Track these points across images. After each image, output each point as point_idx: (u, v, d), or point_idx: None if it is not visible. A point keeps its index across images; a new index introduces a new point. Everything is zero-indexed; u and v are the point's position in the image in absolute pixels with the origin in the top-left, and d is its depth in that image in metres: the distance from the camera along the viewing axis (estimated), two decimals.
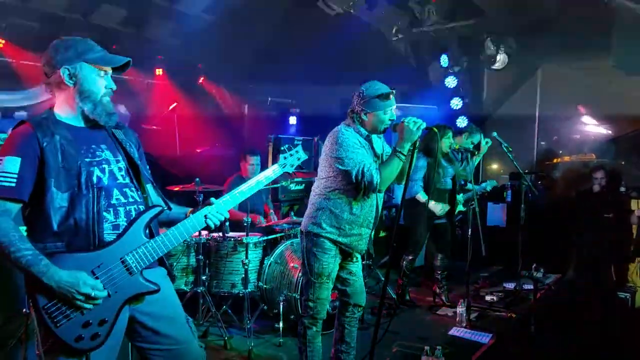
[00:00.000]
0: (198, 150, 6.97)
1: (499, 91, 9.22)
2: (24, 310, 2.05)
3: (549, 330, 4.63)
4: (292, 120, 9.11)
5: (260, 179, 2.48)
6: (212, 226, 2.34)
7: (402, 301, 5.57)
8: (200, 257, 4.63)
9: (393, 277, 5.83)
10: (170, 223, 2.30)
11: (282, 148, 2.62)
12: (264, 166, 5.83)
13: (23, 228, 2.09)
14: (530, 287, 5.86)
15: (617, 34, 7.04)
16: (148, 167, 2.49)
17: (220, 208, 2.36)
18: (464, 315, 4.93)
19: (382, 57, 8.31)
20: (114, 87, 2.24)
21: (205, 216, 2.33)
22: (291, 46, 7.74)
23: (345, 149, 3.12)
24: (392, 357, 4.23)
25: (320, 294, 3.33)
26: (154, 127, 7.16)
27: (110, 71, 2.22)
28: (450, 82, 8.63)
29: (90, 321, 2.02)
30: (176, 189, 4.87)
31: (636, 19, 6.60)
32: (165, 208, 2.32)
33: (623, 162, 7.95)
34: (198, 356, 2.38)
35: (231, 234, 4.81)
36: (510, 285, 6.25)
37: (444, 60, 8.57)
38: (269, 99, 8.37)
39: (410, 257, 5.48)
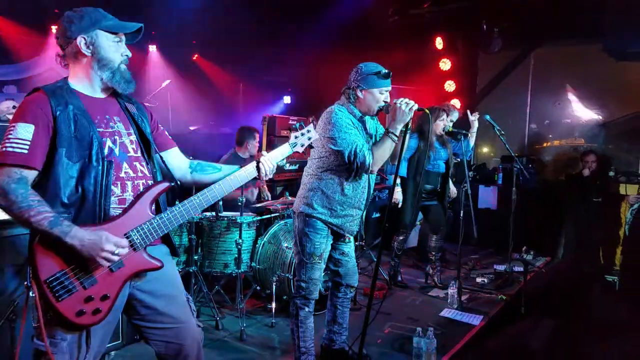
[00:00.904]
0: (191, 128, 6.90)
1: (492, 74, 9.23)
2: (25, 283, 2.01)
3: (538, 311, 4.69)
4: (287, 99, 9.05)
5: (274, 156, 2.44)
6: (264, 173, 2.36)
7: (394, 282, 5.61)
8: (193, 236, 4.58)
9: (385, 259, 5.87)
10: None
11: (293, 126, 2.53)
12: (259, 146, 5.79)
13: None
14: (521, 269, 5.93)
15: (608, 19, 7.05)
16: (167, 132, 2.48)
17: (271, 158, 2.39)
18: (455, 296, 4.97)
19: (377, 38, 8.25)
20: (130, 54, 2.20)
21: (258, 163, 2.35)
22: (287, 25, 7.66)
23: (338, 129, 3.12)
24: (384, 338, 4.26)
25: (312, 274, 3.34)
26: (147, 104, 7.02)
27: (124, 38, 2.19)
28: (444, 64, 8.62)
29: (92, 296, 2.00)
30: None
31: (627, 4, 6.60)
32: (172, 184, 2.30)
33: (611, 147, 8.02)
34: (196, 335, 2.36)
35: (224, 213, 4.78)
36: (500, 268, 6.31)
37: (439, 42, 8.54)
38: None
39: (401, 238, 5.50)
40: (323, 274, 3.46)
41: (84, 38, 2.08)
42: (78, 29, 2.08)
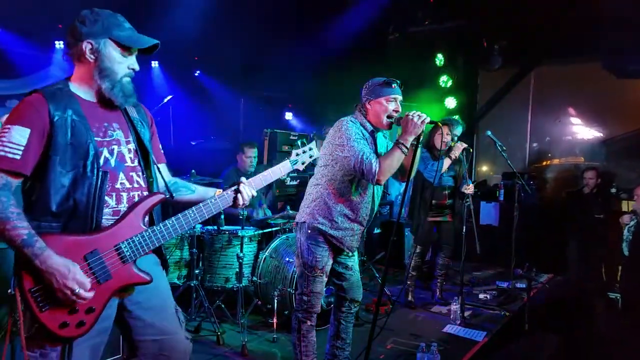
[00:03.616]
0: (192, 143, 6.91)
1: (492, 91, 9.27)
2: (9, 291, 1.96)
3: (542, 328, 4.65)
4: (288, 115, 9.10)
5: (269, 175, 2.40)
6: (241, 201, 2.29)
7: (405, 301, 5.47)
8: (194, 250, 4.57)
9: (389, 276, 5.83)
10: (195, 204, 2.24)
11: (296, 143, 2.52)
12: (259, 160, 5.78)
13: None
14: (523, 285, 5.90)
15: (607, 37, 7.11)
16: (161, 145, 2.44)
17: (252, 184, 2.33)
18: (458, 313, 4.93)
19: (378, 55, 8.31)
20: (137, 68, 2.14)
21: (237, 190, 2.28)
22: (288, 42, 7.72)
23: (347, 138, 3.12)
24: (386, 353, 4.21)
25: (314, 288, 3.31)
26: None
27: (135, 52, 2.13)
28: (445, 81, 8.67)
29: (77, 308, 1.94)
30: None
31: (626, 22, 6.66)
32: (167, 196, 2.25)
33: (612, 164, 8.01)
34: (184, 347, 2.30)
35: (226, 227, 4.75)
36: (503, 284, 6.28)
37: (439, 59, 8.60)
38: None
39: (417, 260, 5.39)
40: (325, 288, 3.43)
41: (91, 43, 2.02)
42: (88, 32, 2.02)
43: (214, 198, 2.25)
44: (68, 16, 2.12)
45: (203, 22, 6.83)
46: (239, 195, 2.30)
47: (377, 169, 3.03)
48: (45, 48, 6.50)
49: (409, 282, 5.49)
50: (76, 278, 1.89)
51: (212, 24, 6.95)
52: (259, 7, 7.33)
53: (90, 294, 1.94)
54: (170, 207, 2.48)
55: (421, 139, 3.07)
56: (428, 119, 3.03)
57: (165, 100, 6.63)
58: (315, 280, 3.31)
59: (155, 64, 7.85)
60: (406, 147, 3.03)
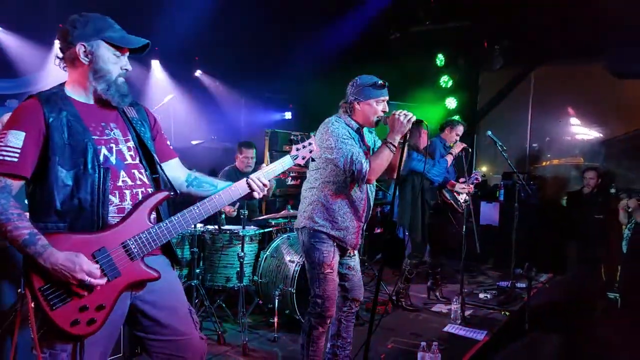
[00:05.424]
0: (193, 142, 6.92)
1: (493, 92, 9.28)
2: (19, 290, 1.97)
3: (542, 327, 4.65)
4: (289, 115, 9.13)
5: (270, 170, 2.43)
6: (256, 190, 2.33)
7: (402, 306, 5.44)
8: (195, 249, 4.56)
9: (387, 275, 5.83)
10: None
11: (294, 139, 2.54)
12: (260, 160, 5.79)
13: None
14: (523, 285, 5.90)
15: (609, 37, 7.12)
16: (169, 142, 2.45)
17: (261, 176, 2.36)
18: (459, 312, 4.93)
19: (379, 55, 8.31)
20: (130, 69, 2.15)
21: (248, 180, 2.32)
22: (288, 42, 7.74)
23: (335, 139, 3.12)
24: (387, 353, 4.22)
25: (326, 287, 3.24)
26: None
27: (127, 52, 2.15)
28: (445, 81, 8.68)
29: (87, 305, 1.95)
30: None
31: (628, 23, 6.66)
32: (172, 194, 2.26)
33: (611, 164, 8.03)
34: (199, 348, 2.31)
35: (227, 226, 4.75)
36: (503, 284, 6.29)
37: (440, 59, 8.61)
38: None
39: (415, 262, 5.35)
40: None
41: (84, 46, 2.04)
42: (80, 35, 2.04)
43: (219, 194, 2.27)
44: (68, 16, 2.11)
45: (204, 22, 6.83)
46: (250, 182, 2.33)
47: (367, 169, 3.06)
48: (45, 48, 6.50)
49: (402, 285, 5.44)
50: (83, 268, 1.90)
51: (213, 24, 6.96)
52: (259, 8, 7.33)
53: (102, 281, 1.95)
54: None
55: (407, 137, 3.09)
56: (414, 118, 3.05)
57: (166, 99, 6.64)
58: (327, 278, 3.25)
59: (155, 63, 7.86)
60: (394, 146, 3.07)
